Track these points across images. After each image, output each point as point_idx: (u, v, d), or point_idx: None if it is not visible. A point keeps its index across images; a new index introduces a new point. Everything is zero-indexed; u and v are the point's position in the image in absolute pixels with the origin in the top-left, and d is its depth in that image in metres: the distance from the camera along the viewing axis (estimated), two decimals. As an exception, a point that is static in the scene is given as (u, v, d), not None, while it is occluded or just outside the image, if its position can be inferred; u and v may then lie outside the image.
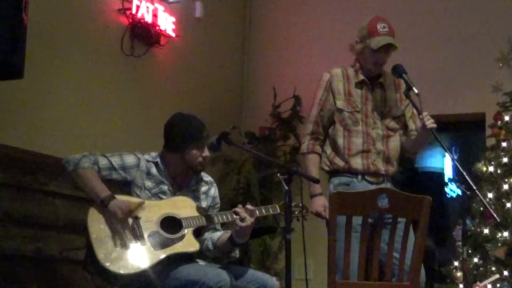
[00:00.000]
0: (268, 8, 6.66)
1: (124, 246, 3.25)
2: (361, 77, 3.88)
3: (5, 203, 4.08)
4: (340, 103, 3.86)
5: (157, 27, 5.38)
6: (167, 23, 5.50)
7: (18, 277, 4.11)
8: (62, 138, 4.60)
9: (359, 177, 3.81)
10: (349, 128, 3.84)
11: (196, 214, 3.43)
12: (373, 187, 3.71)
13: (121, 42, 5.13)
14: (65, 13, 4.71)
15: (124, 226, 3.30)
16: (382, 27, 3.83)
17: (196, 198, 3.56)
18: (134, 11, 5.17)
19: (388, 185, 3.83)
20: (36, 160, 4.29)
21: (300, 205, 3.58)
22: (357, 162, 3.80)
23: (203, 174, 3.65)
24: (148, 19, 5.27)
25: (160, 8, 5.43)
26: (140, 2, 5.22)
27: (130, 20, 5.20)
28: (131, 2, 5.17)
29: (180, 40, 5.68)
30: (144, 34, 5.26)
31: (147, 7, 5.28)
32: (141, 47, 5.29)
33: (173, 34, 5.56)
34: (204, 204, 3.59)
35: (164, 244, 3.31)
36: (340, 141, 3.84)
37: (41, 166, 4.31)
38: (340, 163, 3.82)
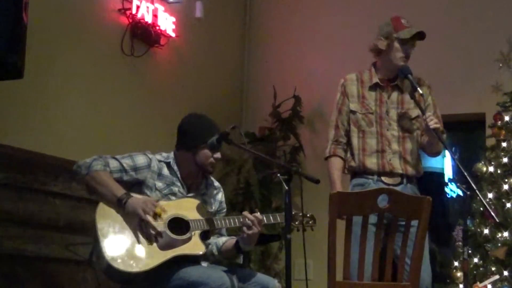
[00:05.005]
0: (268, 8, 6.66)
1: (131, 244, 3.26)
2: (375, 80, 3.92)
3: (5, 203, 4.08)
4: (353, 106, 3.91)
5: (157, 27, 5.38)
6: (167, 23, 5.49)
7: (18, 277, 4.11)
8: (62, 138, 4.59)
9: (375, 177, 3.82)
10: (363, 129, 3.88)
11: (204, 217, 3.43)
12: None
13: (121, 42, 5.13)
14: (65, 13, 4.70)
15: (132, 225, 3.30)
16: (406, 21, 3.92)
17: (205, 202, 3.57)
18: (134, 11, 5.17)
19: (407, 186, 3.83)
20: (36, 160, 4.28)
21: (308, 215, 3.57)
22: (372, 162, 3.83)
23: (211, 179, 3.67)
24: (148, 19, 5.27)
25: (160, 8, 5.42)
26: (140, 2, 5.22)
27: (130, 20, 5.20)
28: (131, 2, 5.17)
29: (180, 40, 5.68)
30: (144, 34, 5.26)
31: (147, 7, 5.28)
32: (141, 47, 5.29)
33: (173, 34, 5.56)
34: (211, 208, 3.60)
35: (170, 245, 3.31)
36: (355, 142, 3.89)
37: (41, 166, 4.30)
38: (355, 164, 3.86)
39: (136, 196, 3.35)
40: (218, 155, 3.52)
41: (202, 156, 3.50)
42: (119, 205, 3.29)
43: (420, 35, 3.88)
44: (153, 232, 3.28)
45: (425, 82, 3.94)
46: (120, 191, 3.32)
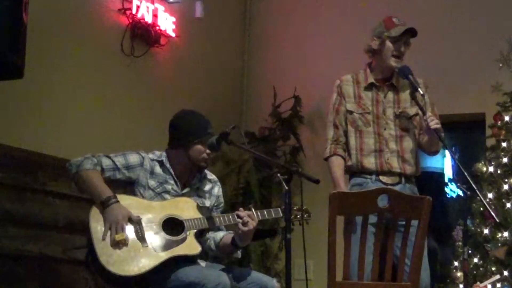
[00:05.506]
0: (268, 8, 6.66)
1: (126, 247, 3.24)
2: (370, 80, 3.92)
3: (5, 203, 4.08)
4: (350, 106, 3.91)
5: (157, 27, 5.38)
6: (167, 23, 5.49)
7: (18, 277, 4.11)
8: (62, 138, 4.60)
9: (373, 177, 3.82)
10: (360, 129, 3.87)
11: (199, 215, 3.42)
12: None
13: (121, 42, 5.13)
14: (65, 13, 4.71)
15: (126, 227, 3.29)
16: (397, 20, 3.92)
17: (200, 197, 3.56)
18: (134, 11, 5.17)
19: (406, 186, 3.83)
20: (36, 160, 4.29)
21: (303, 209, 3.57)
22: (370, 162, 3.82)
23: (207, 172, 3.65)
24: (148, 19, 5.27)
25: (160, 8, 5.42)
26: (140, 2, 5.22)
27: (130, 20, 5.20)
28: (131, 2, 5.17)
29: (180, 40, 5.68)
30: (144, 34, 5.26)
31: (147, 7, 5.28)
32: (141, 47, 5.29)
33: (173, 34, 5.56)
34: (207, 203, 3.59)
35: (165, 246, 3.30)
36: (353, 142, 3.88)
37: (41, 166, 4.31)
38: (353, 163, 3.85)
39: (122, 204, 3.31)
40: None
41: (195, 152, 3.49)
42: (103, 207, 3.28)
43: (412, 32, 3.87)
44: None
45: (420, 80, 3.94)
46: (106, 193, 3.31)
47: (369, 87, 3.93)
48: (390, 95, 3.93)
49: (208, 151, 3.50)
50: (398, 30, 3.85)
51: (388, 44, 3.86)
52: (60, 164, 4.26)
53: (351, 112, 3.91)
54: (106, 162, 3.42)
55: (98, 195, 3.31)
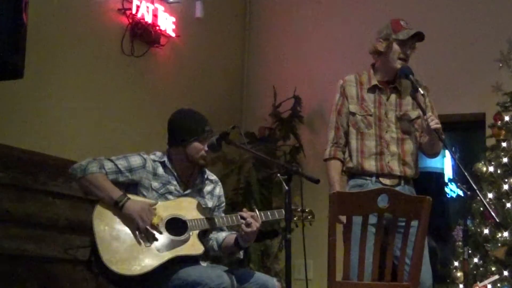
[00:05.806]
0: (268, 8, 6.66)
1: (129, 247, 3.25)
2: (374, 82, 3.91)
3: (5, 203, 4.08)
4: (352, 107, 3.90)
5: (157, 27, 5.38)
6: (167, 23, 5.50)
7: (18, 277, 4.11)
8: (62, 138, 4.60)
9: (373, 179, 3.82)
10: (362, 131, 3.87)
11: (202, 216, 3.43)
12: None
13: (121, 42, 5.13)
14: (65, 13, 4.71)
15: (129, 227, 3.30)
16: (405, 23, 3.91)
17: (202, 198, 3.57)
18: (134, 11, 5.18)
19: (405, 188, 3.83)
20: (36, 160, 4.29)
21: (307, 210, 3.57)
22: (370, 164, 3.82)
23: (208, 172, 3.65)
24: (148, 19, 5.28)
25: (160, 8, 5.43)
26: (140, 2, 5.22)
27: (130, 20, 5.20)
28: (131, 2, 5.17)
29: (180, 40, 5.68)
30: (144, 34, 5.26)
31: (147, 7, 5.28)
32: (141, 47, 5.29)
33: (173, 34, 5.56)
34: (210, 204, 3.60)
35: (169, 246, 3.31)
36: (354, 143, 3.87)
37: (41, 166, 4.31)
38: (354, 165, 3.85)
39: (133, 199, 3.34)
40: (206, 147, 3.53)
41: (192, 150, 3.50)
42: (117, 208, 3.30)
43: (419, 36, 3.87)
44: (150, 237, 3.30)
45: (422, 83, 3.94)
46: (116, 193, 3.32)
47: (372, 89, 3.93)
48: (393, 97, 3.93)
49: (206, 148, 3.50)
50: (406, 33, 3.84)
51: (395, 46, 3.86)
52: (61, 164, 4.27)
53: (353, 114, 3.90)
54: (108, 165, 3.42)
55: (109, 196, 3.31)
